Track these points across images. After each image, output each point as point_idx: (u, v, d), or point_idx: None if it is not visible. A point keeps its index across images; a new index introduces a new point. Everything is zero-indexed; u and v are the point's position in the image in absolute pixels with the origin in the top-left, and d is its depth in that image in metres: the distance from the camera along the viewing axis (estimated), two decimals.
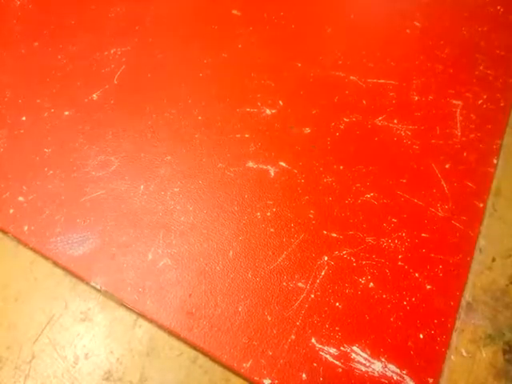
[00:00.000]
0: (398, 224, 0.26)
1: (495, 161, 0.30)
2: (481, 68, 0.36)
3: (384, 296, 0.23)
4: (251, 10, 0.41)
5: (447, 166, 0.29)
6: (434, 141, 0.31)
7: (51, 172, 0.29)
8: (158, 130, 0.32)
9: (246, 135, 0.31)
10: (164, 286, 0.24)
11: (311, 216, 0.27)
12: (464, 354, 0.22)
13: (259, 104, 0.33)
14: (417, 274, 0.24)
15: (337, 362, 0.21)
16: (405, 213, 0.27)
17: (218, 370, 0.22)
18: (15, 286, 0.25)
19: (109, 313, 0.24)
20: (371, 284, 0.24)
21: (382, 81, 0.35)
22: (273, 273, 0.24)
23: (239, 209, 0.27)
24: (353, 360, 0.22)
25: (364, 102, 0.33)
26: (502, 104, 0.33)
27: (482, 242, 0.26)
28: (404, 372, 0.21)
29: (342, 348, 0.22)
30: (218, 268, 0.25)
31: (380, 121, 0.32)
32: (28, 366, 0.22)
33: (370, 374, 0.21)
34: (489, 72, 0.36)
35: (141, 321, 0.23)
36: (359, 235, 0.26)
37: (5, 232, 0.27)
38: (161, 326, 0.23)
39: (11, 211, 0.27)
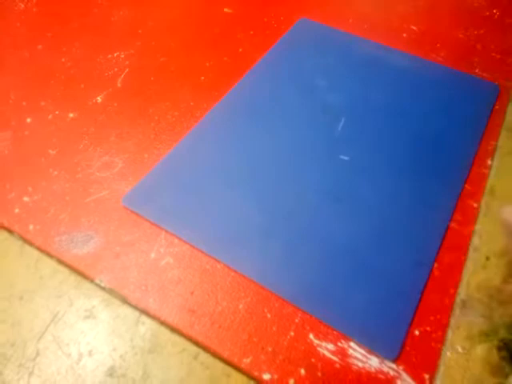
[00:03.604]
0: None
1: (489, 162, 0.31)
2: (477, 71, 0.37)
3: None
4: (252, 15, 0.42)
5: None
6: None
7: (56, 173, 0.30)
8: (160, 132, 0.32)
9: None
10: (166, 284, 0.25)
11: None
12: (460, 350, 0.22)
13: None
14: None
15: (334, 358, 0.22)
16: None
17: (219, 365, 0.22)
18: (21, 284, 0.25)
19: (112, 310, 0.24)
20: None
21: None
22: None
23: None
24: (350, 356, 0.22)
25: None
26: (496, 107, 0.34)
27: (476, 241, 0.27)
28: (400, 368, 0.22)
29: (339, 344, 0.22)
30: (218, 266, 0.25)
31: None
32: (32, 363, 0.22)
33: (366, 369, 0.22)
34: (484, 75, 0.37)
35: (144, 318, 0.24)
36: None
37: (10, 231, 0.27)
38: (163, 323, 0.23)
39: (16, 211, 0.28)
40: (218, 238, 0.26)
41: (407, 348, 0.22)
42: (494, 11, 0.43)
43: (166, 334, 0.23)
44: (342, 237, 0.26)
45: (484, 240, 0.27)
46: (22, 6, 0.42)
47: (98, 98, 0.34)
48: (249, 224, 0.26)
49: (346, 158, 0.30)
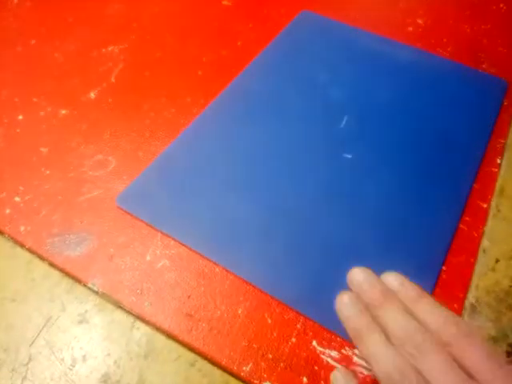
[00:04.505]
0: None
1: (499, 161, 0.30)
2: (484, 66, 0.36)
3: None
4: (251, 7, 0.40)
5: None
6: None
7: (48, 172, 0.29)
8: (156, 129, 0.31)
9: None
10: (162, 287, 0.24)
11: None
12: None
13: None
14: None
15: (338, 365, 0.21)
16: None
17: (217, 373, 0.22)
18: (12, 287, 0.25)
19: (106, 315, 0.23)
20: None
21: None
22: None
23: None
24: (355, 363, 0.21)
25: None
26: (505, 103, 0.33)
27: (485, 242, 0.26)
28: None
29: (343, 351, 0.22)
30: (217, 269, 0.24)
31: None
32: (25, 369, 0.22)
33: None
34: (492, 70, 0.36)
35: (139, 323, 0.23)
36: None
37: (1, 232, 0.26)
38: (159, 329, 0.23)
39: (7, 211, 0.27)
40: (216, 239, 0.25)
41: None
42: (501, 6, 0.42)
43: (161, 339, 0.23)
44: (345, 238, 0.25)
45: (494, 242, 0.26)
46: (15, 0, 0.41)
47: (92, 94, 0.33)
48: (247, 225, 0.25)
49: (349, 156, 0.29)
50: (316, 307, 0.22)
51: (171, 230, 0.25)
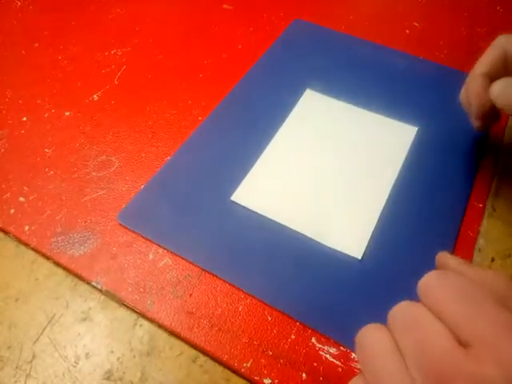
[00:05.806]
0: None
1: (494, 161, 0.30)
2: None
3: None
4: (251, 11, 0.41)
5: None
6: None
7: (52, 172, 0.30)
8: (158, 131, 0.32)
9: None
10: (165, 285, 0.24)
11: None
12: None
13: None
14: None
15: (337, 362, 0.22)
16: None
17: (219, 369, 0.22)
18: (16, 286, 0.25)
19: (110, 312, 0.24)
20: None
21: None
22: None
23: None
24: (353, 359, 0.22)
25: None
26: None
27: (481, 241, 0.26)
28: None
29: (341, 347, 0.22)
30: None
31: None
32: (29, 366, 0.22)
33: None
34: None
35: (141, 320, 0.23)
36: None
37: (6, 232, 0.27)
38: (161, 326, 0.23)
39: (12, 211, 0.27)
40: (221, 256, 0.25)
41: None
42: (498, 8, 0.42)
43: (163, 336, 0.23)
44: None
45: (489, 241, 0.26)
46: (19, 3, 0.42)
47: (95, 96, 0.34)
48: (252, 241, 0.25)
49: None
50: (319, 319, 0.22)
51: (174, 246, 0.25)
